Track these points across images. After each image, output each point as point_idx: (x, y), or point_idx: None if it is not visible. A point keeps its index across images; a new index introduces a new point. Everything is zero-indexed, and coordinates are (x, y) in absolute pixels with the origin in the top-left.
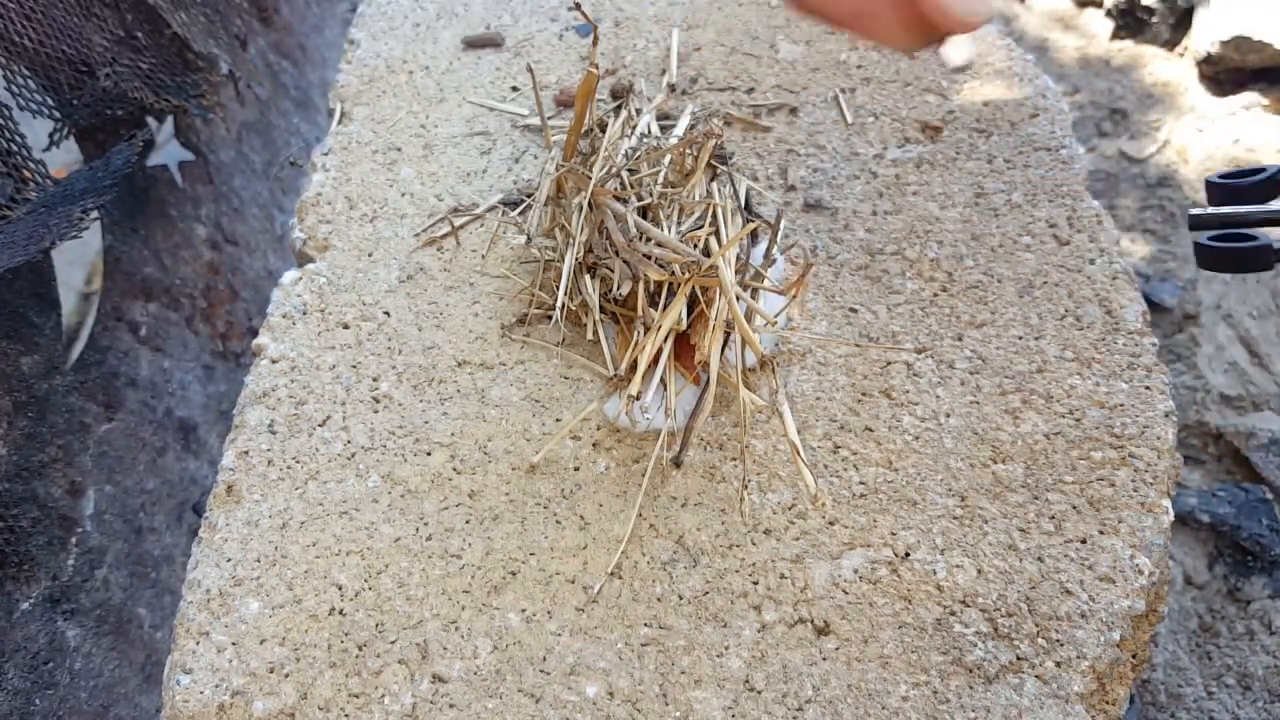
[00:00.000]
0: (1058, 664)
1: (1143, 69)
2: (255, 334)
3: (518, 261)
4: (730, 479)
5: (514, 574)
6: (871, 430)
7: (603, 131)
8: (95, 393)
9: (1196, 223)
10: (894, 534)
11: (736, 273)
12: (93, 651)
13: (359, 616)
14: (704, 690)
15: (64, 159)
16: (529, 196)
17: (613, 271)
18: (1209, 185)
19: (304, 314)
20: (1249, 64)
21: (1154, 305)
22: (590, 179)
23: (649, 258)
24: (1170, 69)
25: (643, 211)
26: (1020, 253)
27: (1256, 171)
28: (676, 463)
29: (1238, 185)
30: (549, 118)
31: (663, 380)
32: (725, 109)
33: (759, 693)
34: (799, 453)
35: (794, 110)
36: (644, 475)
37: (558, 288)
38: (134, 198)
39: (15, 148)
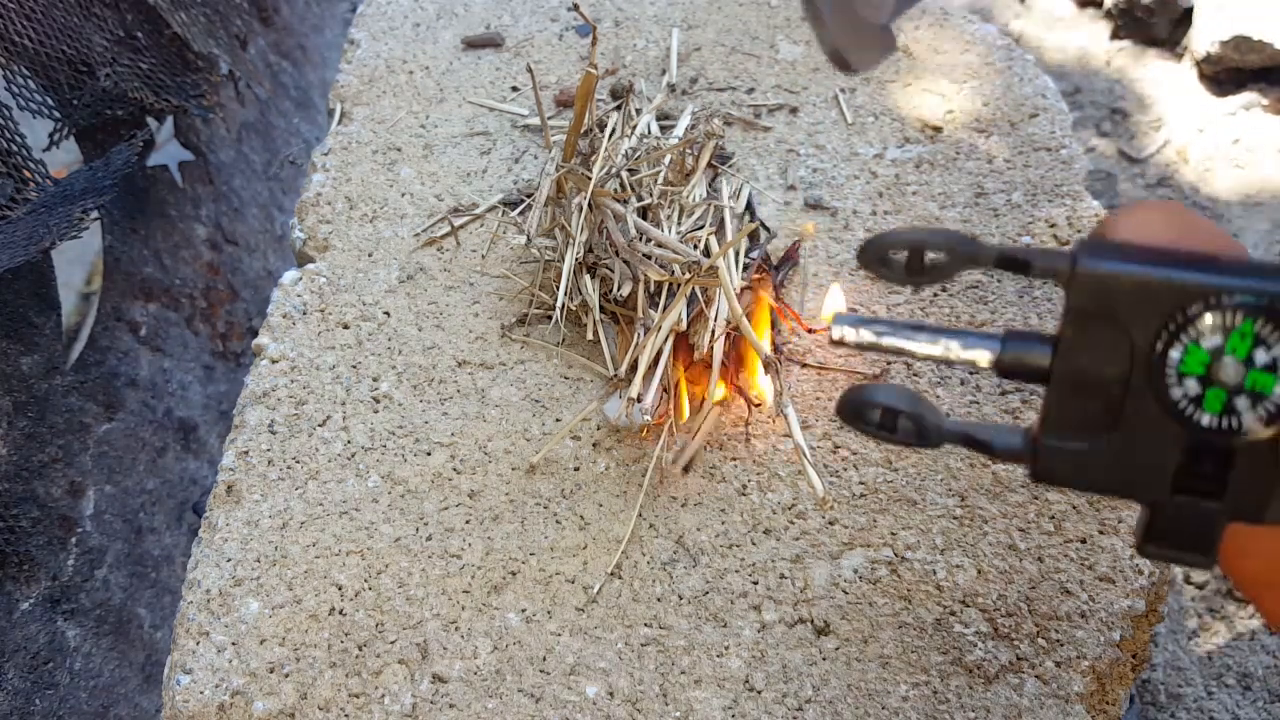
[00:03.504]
0: (1058, 664)
1: (1143, 69)
2: (255, 334)
3: (518, 261)
4: (730, 479)
5: (514, 574)
6: None
7: (602, 131)
8: (95, 393)
9: (838, 337)
10: (894, 534)
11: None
12: (93, 651)
13: (359, 616)
14: (704, 690)
15: (64, 159)
16: (529, 196)
17: (613, 272)
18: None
19: (304, 314)
20: (1249, 64)
21: None
22: (590, 179)
23: (649, 258)
24: (1170, 69)
25: (643, 212)
26: None
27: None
28: (685, 469)
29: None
30: (549, 118)
31: (662, 381)
32: (725, 109)
33: (759, 693)
34: (805, 456)
35: (794, 110)
36: (644, 475)
37: (558, 288)
38: (134, 198)
39: (15, 148)
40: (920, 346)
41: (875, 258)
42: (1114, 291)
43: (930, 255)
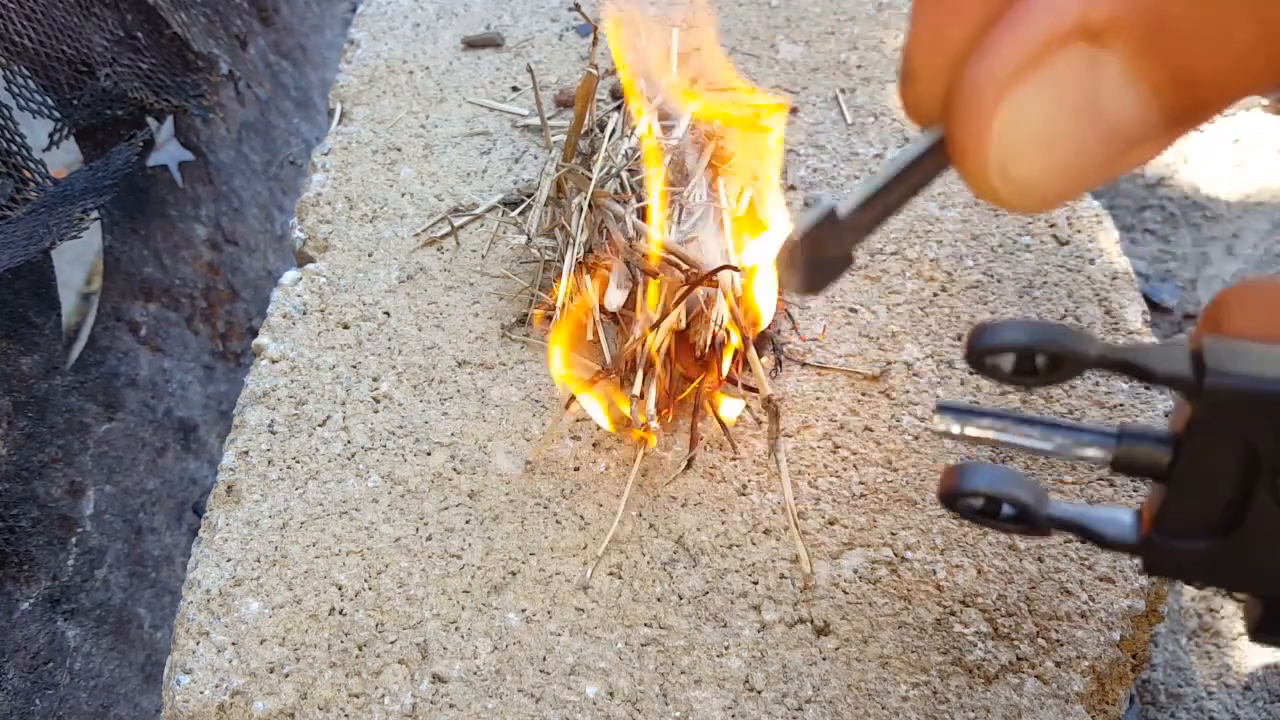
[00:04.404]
0: (1057, 664)
1: None
2: (255, 334)
3: (518, 261)
4: (730, 479)
5: (514, 574)
6: (871, 430)
7: (602, 131)
8: (95, 393)
9: (942, 430)
10: (894, 534)
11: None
12: (93, 651)
13: (359, 616)
14: (704, 690)
15: (64, 159)
16: (529, 196)
17: (613, 272)
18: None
19: (304, 314)
20: None
21: (1154, 305)
22: (590, 179)
23: (649, 258)
24: None
25: (643, 212)
26: (1020, 253)
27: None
28: (688, 464)
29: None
30: (549, 118)
31: (661, 380)
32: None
33: (759, 693)
34: (796, 526)
35: (794, 110)
36: (642, 474)
37: (558, 288)
38: (134, 198)
39: (15, 148)
40: (1033, 442)
41: (985, 364)
42: (1240, 405)
43: (1040, 357)
